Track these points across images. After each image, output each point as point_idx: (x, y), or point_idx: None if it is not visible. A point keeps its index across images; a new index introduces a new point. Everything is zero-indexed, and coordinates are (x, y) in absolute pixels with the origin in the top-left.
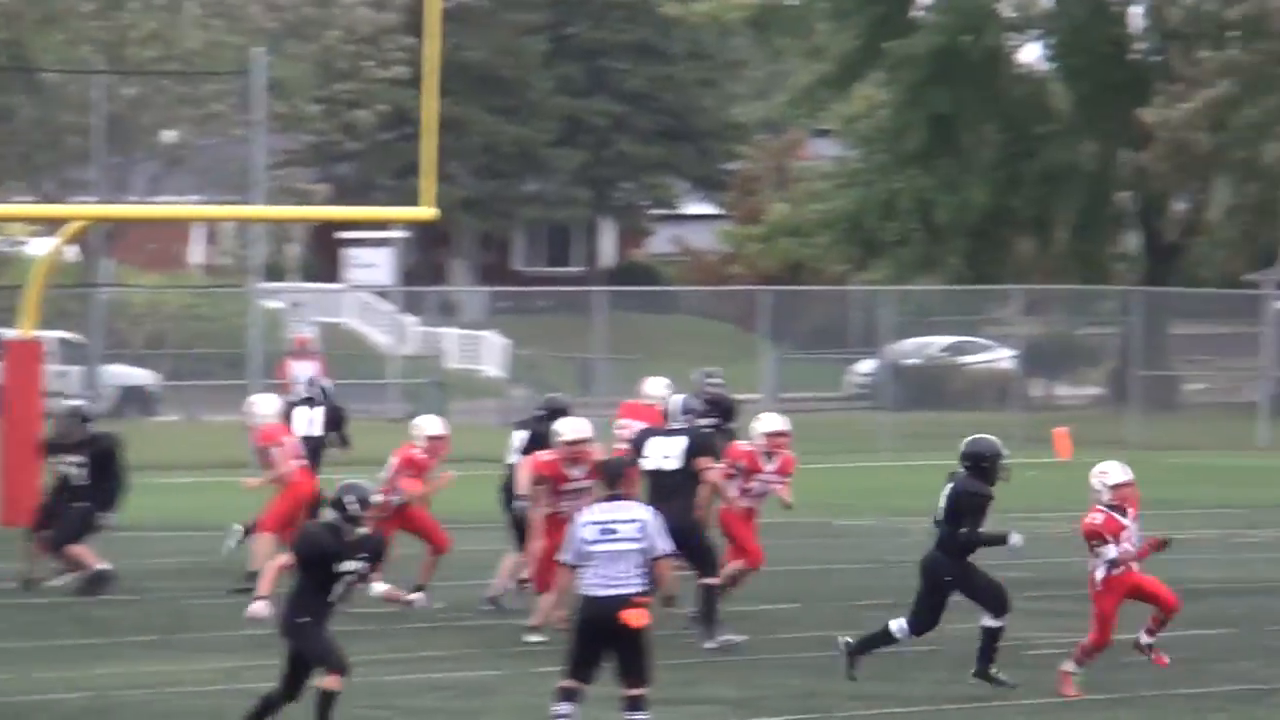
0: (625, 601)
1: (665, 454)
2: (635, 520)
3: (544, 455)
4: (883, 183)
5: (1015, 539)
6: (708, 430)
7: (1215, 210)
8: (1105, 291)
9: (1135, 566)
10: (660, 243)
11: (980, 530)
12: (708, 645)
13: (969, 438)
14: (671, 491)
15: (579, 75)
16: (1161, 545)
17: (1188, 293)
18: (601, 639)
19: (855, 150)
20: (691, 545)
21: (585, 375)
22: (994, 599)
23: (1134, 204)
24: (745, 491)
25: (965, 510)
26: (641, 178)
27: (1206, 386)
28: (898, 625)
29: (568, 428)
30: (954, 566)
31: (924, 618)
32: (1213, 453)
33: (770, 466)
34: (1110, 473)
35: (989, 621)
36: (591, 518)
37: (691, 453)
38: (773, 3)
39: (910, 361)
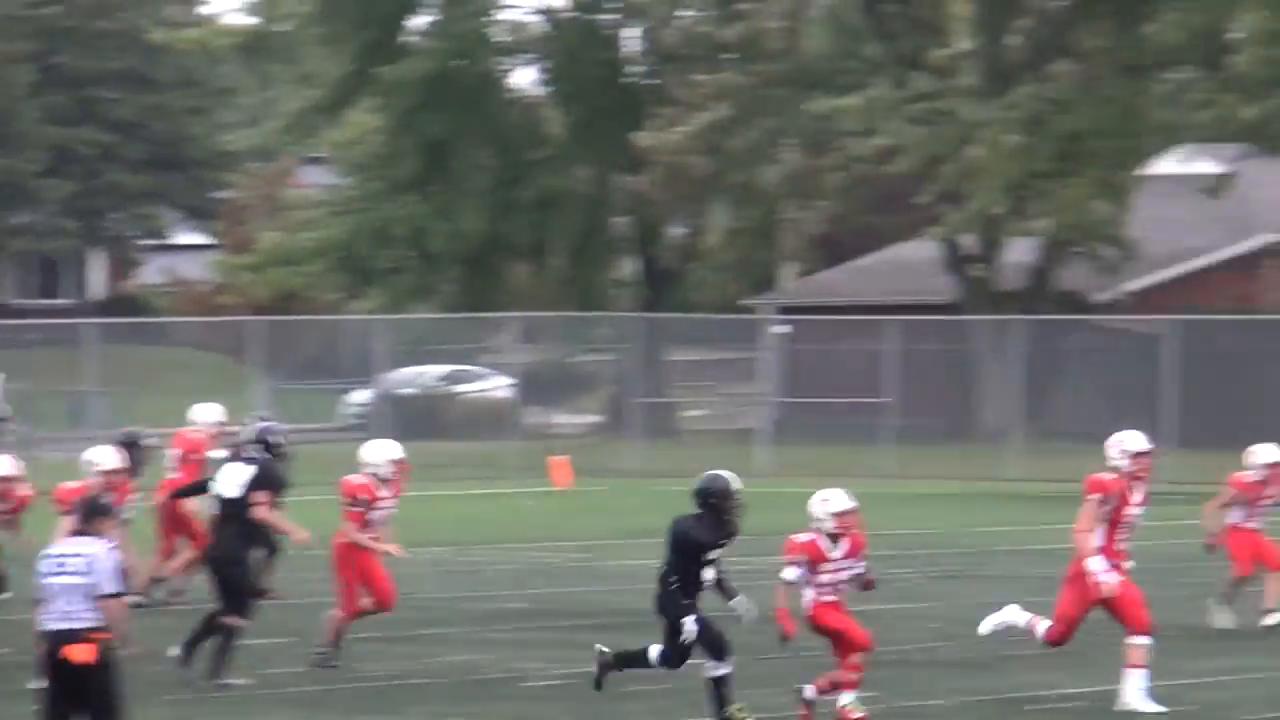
0: (72, 636)
1: (231, 481)
2: (85, 555)
3: (70, 485)
4: (376, 210)
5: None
6: (276, 464)
7: (713, 235)
8: (602, 318)
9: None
10: (151, 273)
11: (684, 583)
12: (216, 681)
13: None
14: (226, 519)
15: (67, 104)
16: (869, 585)
17: (686, 318)
18: (58, 676)
19: (348, 178)
20: (227, 577)
21: (77, 408)
22: (713, 645)
23: (631, 229)
24: (368, 524)
25: (673, 549)
26: (131, 208)
27: (705, 413)
28: (656, 652)
29: (101, 456)
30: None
31: (677, 652)
32: None
33: (387, 493)
34: (832, 500)
35: (714, 670)
36: (49, 551)
37: (251, 484)
38: (263, 29)
39: (405, 391)
